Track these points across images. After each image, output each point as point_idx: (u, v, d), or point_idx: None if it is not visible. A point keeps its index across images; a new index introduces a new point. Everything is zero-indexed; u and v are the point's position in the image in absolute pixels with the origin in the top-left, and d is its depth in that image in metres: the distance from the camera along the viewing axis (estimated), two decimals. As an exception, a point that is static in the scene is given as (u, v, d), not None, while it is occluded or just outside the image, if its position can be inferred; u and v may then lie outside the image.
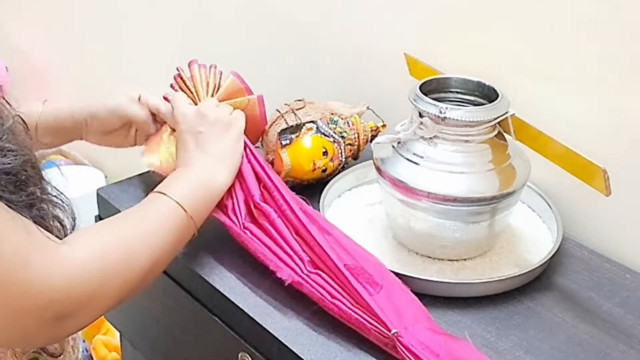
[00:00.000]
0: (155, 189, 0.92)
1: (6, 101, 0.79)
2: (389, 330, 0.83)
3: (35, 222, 0.76)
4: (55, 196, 0.82)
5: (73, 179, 0.88)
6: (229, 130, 1.01)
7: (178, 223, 0.89)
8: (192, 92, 1.09)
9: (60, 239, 0.80)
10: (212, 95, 1.09)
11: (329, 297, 0.89)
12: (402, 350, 0.82)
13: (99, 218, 1.17)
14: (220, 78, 1.10)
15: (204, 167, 0.97)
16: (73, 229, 0.84)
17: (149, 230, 0.86)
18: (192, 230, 0.92)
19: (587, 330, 0.90)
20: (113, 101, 1.08)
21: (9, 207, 0.73)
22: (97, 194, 1.15)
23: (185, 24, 1.73)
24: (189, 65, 1.11)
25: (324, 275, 0.91)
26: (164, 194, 0.90)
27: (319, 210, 1.05)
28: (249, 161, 1.01)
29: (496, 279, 0.95)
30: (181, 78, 1.10)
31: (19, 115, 0.79)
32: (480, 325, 0.90)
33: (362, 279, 0.89)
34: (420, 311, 0.88)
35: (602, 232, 1.07)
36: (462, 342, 0.84)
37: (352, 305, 0.87)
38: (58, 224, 0.82)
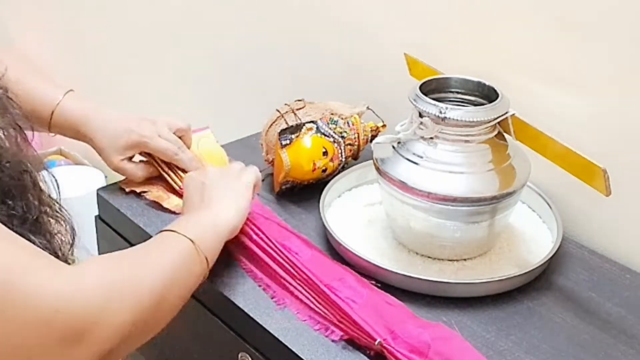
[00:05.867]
0: (167, 227, 0.90)
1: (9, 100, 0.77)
2: (374, 340, 0.84)
3: (28, 237, 0.73)
4: (56, 210, 0.80)
5: (73, 179, 0.87)
6: (240, 177, 1.01)
7: (190, 260, 0.86)
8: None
9: (58, 255, 0.77)
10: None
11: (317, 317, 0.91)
12: (390, 358, 0.83)
13: (99, 218, 1.17)
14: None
15: (214, 209, 0.94)
16: (72, 245, 0.82)
17: (163, 266, 0.82)
18: (204, 268, 0.88)
19: (587, 330, 0.90)
20: (134, 132, 1.09)
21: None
22: (97, 194, 1.15)
23: (186, 23, 1.73)
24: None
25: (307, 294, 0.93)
26: (175, 232, 0.88)
27: (319, 210, 1.05)
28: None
29: (496, 279, 0.95)
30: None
31: (15, 121, 0.76)
32: (480, 325, 0.90)
33: (342, 294, 0.90)
34: (404, 313, 0.88)
35: (602, 232, 1.07)
36: (451, 337, 0.85)
37: (338, 321, 0.88)
38: (58, 240, 0.80)
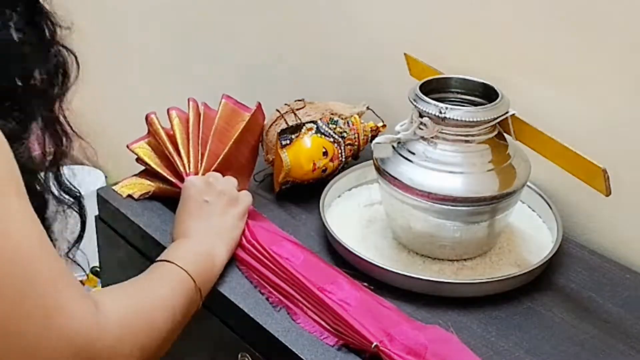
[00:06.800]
0: (164, 257, 0.91)
1: None
2: (370, 343, 0.83)
3: None
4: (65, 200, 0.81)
5: (73, 179, 0.87)
6: (234, 206, 1.01)
7: (188, 294, 0.88)
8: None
9: None
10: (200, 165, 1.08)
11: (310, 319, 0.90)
12: None
13: (99, 218, 1.16)
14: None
15: (207, 240, 0.96)
16: (71, 249, 0.83)
17: (166, 301, 0.84)
18: (198, 302, 0.90)
19: (587, 330, 0.90)
20: None
21: None
22: (97, 194, 1.15)
23: (186, 22, 1.73)
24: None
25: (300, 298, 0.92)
26: (174, 264, 0.89)
27: (319, 210, 1.05)
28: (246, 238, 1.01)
29: (496, 279, 0.95)
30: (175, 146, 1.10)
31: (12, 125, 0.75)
32: (480, 325, 0.90)
33: (336, 297, 0.89)
34: (399, 315, 0.88)
35: (602, 232, 1.07)
36: (447, 339, 0.84)
37: (333, 323, 0.88)
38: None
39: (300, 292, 0.92)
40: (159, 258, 0.91)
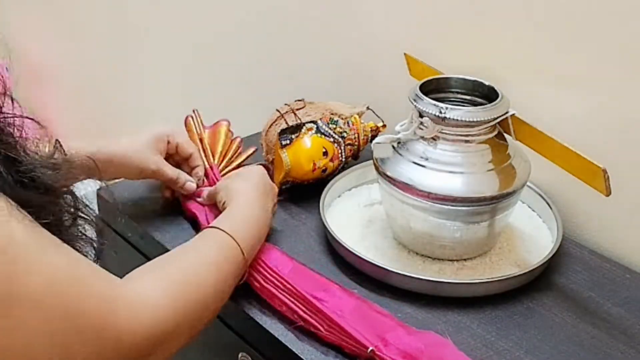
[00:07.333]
0: (211, 224, 0.91)
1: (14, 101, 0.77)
2: (366, 348, 0.83)
3: None
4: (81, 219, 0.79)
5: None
6: (272, 212, 1.02)
7: (236, 262, 0.88)
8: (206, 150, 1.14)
9: None
10: (223, 159, 1.14)
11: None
12: None
13: (99, 218, 1.16)
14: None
15: (262, 224, 0.96)
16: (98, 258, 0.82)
17: (211, 262, 0.84)
18: (244, 268, 0.90)
19: (587, 330, 0.90)
20: (145, 165, 1.04)
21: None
22: (97, 194, 1.15)
23: (186, 24, 1.73)
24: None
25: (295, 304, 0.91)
26: (220, 229, 0.89)
27: (319, 210, 1.05)
28: None
29: (496, 279, 0.95)
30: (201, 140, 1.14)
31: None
32: (480, 325, 0.90)
33: (329, 304, 0.88)
34: (393, 321, 0.87)
35: (602, 232, 1.07)
36: (443, 344, 0.84)
37: (327, 329, 0.87)
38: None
39: (292, 299, 0.91)
40: (209, 225, 0.91)
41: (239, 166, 1.15)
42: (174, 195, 1.11)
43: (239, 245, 0.88)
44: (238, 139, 1.17)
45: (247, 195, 0.97)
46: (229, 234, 0.88)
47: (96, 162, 0.90)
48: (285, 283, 0.92)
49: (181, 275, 0.80)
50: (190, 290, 0.79)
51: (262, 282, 0.93)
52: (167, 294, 0.75)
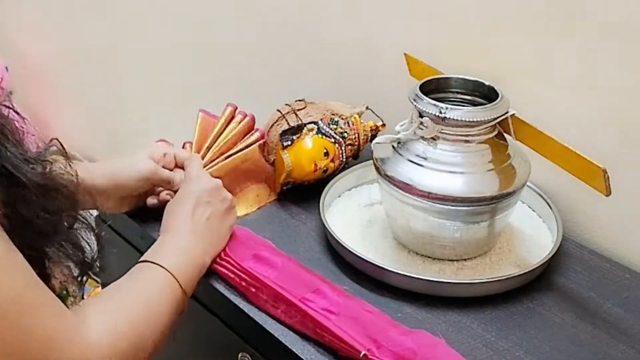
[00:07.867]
0: (151, 258, 0.89)
1: (10, 105, 0.77)
2: (359, 352, 0.82)
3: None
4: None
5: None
6: (229, 215, 1.00)
7: (176, 299, 0.87)
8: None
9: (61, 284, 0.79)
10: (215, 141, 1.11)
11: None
12: None
13: (99, 218, 1.16)
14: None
15: (200, 245, 0.94)
16: (82, 277, 0.83)
17: (154, 312, 0.84)
18: (184, 306, 0.89)
19: (587, 330, 0.90)
20: (139, 168, 1.03)
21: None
22: (97, 194, 1.15)
23: (185, 23, 1.73)
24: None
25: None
26: (162, 267, 0.88)
27: (319, 210, 1.05)
28: None
29: (496, 279, 0.95)
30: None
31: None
32: (480, 325, 0.90)
33: (318, 307, 0.88)
34: (384, 320, 0.87)
35: (602, 232, 1.07)
36: (435, 344, 0.83)
37: (319, 333, 0.87)
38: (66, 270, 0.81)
39: (281, 306, 0.90)
40: (146, 258, 0.89)
41: (246, 147, 1.13)
42: (161, 202, 1.09)
43: (177, 280, 0.87)
44: (239, 116, 1.14)
45: (180, 222, 0.95)
46: (167, 270, 0.87)
47: (95, 182, 0.94)
48: (271, 289, 0.91)
49: (126, 315, 0.81)
50: (134, 333, 0.80)
51: (254, 290, 0.93)
52: (111, 335, 0.77)
